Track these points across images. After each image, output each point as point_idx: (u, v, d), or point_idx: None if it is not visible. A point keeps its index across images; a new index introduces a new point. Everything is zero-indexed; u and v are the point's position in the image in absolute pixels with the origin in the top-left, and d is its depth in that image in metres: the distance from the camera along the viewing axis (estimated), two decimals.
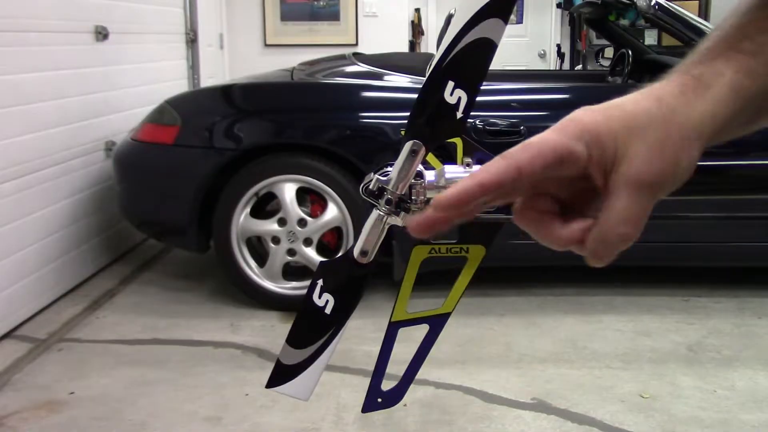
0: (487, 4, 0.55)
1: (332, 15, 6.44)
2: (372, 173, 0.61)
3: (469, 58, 0.56)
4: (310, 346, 0.72)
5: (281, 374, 0.74)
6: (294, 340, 0.73)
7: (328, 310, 0.70)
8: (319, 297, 0.70)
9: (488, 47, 0.56)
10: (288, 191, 3.14)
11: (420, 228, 0.48)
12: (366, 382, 0.74)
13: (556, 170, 0.45)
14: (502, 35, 0.56)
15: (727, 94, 0.47)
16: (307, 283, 3.46)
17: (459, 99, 0.57)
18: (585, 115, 0.46)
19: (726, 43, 0.50)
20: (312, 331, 0.72)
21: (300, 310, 0.73)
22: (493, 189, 0.45)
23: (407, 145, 0.58)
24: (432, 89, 0.58)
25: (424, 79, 0.59)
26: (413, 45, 6.64)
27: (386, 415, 2.37)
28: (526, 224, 0.48)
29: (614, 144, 0.45)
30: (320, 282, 0.70)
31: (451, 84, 0.57)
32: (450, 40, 0.57)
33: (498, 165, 0.45)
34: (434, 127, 0.58)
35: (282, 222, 3.15)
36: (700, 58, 0.50)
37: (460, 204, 0.45)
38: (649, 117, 0.46)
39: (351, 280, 0.69)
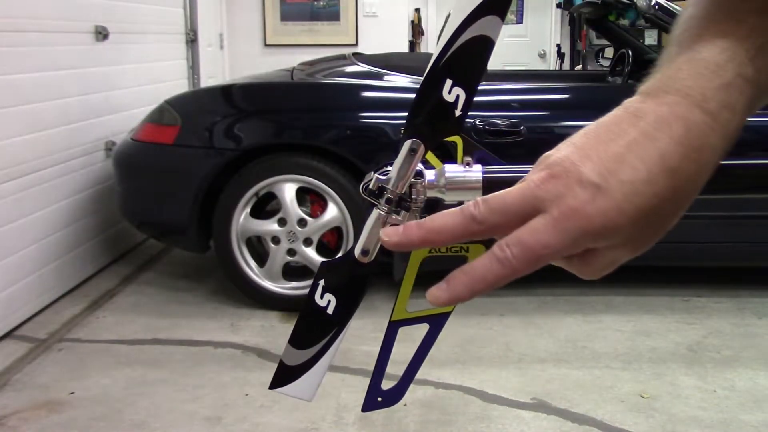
0: (483, 2, 0.55)
1: (332, 15, 6.44)
2: (372, 172, 0.61)
3: (466, 56, 0.56)
4: (312, 346, 0.72)
5: (284, 375, 0.73)
6: (296, 340, 0.73)
7: (330, 311, 0.70)
8: (321, 297, 0.70)
9: (486, 44, 0.56)
10: (288, 191, 3.14)
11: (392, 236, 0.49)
12: (366, 381, 0.74)
13: None
14: (500, 32, 0.56)
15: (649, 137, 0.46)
16: (307, 282, 3.47)
17: (457, 97, 0.57)
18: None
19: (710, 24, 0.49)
20: (314, 331, 0.72)
21: (301, 310, 0.73)
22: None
23: (406, 144, 0.58)
24: (430, 87, 0.58)
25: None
26: (413, 45, 6.64)
27: (386, 415, 2.37)
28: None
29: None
30: (321, 282, 0.70)
31: (449, 82, 0.57)
32: (447, 38, 0.56)
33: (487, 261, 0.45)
34: (433, 125, 0.58)
35: (282, 222, 3.15)
36: (682, 55, 0.49)
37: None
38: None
39: (352, 279, 0.69)
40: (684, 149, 0.45)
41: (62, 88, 3.43)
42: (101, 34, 3.76)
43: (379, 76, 3.41)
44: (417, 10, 6.67)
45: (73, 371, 2.72)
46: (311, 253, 3.16)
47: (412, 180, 0.60)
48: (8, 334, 3.02)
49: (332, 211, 3.14)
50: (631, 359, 2.81)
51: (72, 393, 2.55)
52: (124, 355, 2.87)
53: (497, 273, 0.44)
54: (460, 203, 0.51)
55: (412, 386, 0.79)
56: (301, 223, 3.14)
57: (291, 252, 3.17)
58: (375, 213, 0.61)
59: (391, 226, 0.62)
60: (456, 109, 0.57)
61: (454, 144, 0.65)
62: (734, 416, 2.41)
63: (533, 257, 0.44)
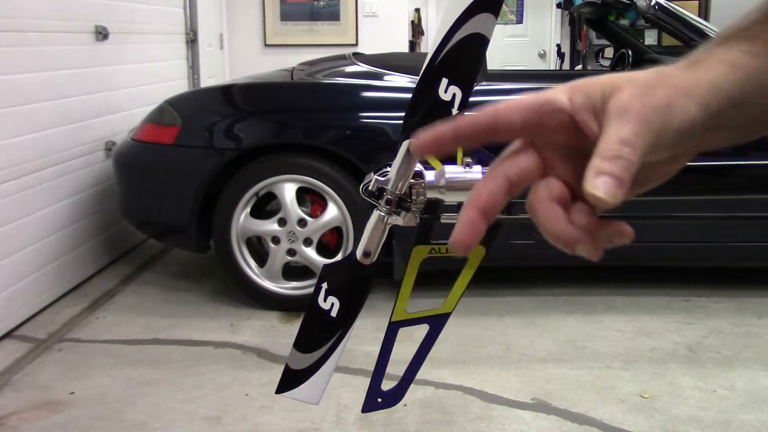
0: (476, 0, 0.55)
1: (332, 15, 6.44)
2: (371, 174, 0.60)
3: (461, 54, 0.56)
4: (318, 349, 0.72)
5: (290, 379, 0.73)
6: (301, 344, 0.72)
7: (333, 313, 0.70)
8: (325, 300, 0.70)
9: (480, 42, 0.56)
10: (288, 191, 3.14)
11: (462, 240, 0.45)
12: (366, 382, 0.74)
13: (535, 117, 0.44)
14: (494, 29, 0.56)
15: (724, 67, 0.47)
16: (307, 282, 3.45)
17: (453, 95, 0.57)
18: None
19: (729, 35, 0.50)
20: (319, 334, 0.71)
21: (306, 313, 0.72)
22: (468, 128, 0.45)
23: (404, 145, 0.58)
24: (426, 87, 0.58)
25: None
26: (413, 45, 6.63)
27: (386, 415, 2.37)
28: (534, 211, 0.45)
29: (601, 91, 0.44)
30: (324, 285, 0.70)
31: (444, 81, 0.57)
32: (441, 37, 0.56)
33: (478, 110, 0.45)
34: (430, 124, 0.58)
35: (282, 222, 3.15)
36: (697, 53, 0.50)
37: (436, 142, 0.45)
38: (637, 74, 0.46)
39: (355, 281, 0.69)
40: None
41: (62, 88, 3.42)
42: (101, 34, 3.76)
43: (379, 76, 3.41)
44: (417, 10, 6.67)
45: (73, 371, 2.72)
46: (311, 253, 3.16)
47: (412, 180, 0.60)
48: (8, 334, 3.02)
49: (332, 211, 3.14)
50: (631, 359, 2.81)
51: (72, 393, 2.55)
52: (124, 355, 2.87)
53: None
54: (461, 204, 0.51)
55: (412, 386, 0.79)
56: (301, 223, 3.14)
57: (291, 252, 3.17)
58: (375, 214, 0.61)
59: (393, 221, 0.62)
60: (452, 107, 0.57)
61: None
62: (734, 416, 2.40)
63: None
